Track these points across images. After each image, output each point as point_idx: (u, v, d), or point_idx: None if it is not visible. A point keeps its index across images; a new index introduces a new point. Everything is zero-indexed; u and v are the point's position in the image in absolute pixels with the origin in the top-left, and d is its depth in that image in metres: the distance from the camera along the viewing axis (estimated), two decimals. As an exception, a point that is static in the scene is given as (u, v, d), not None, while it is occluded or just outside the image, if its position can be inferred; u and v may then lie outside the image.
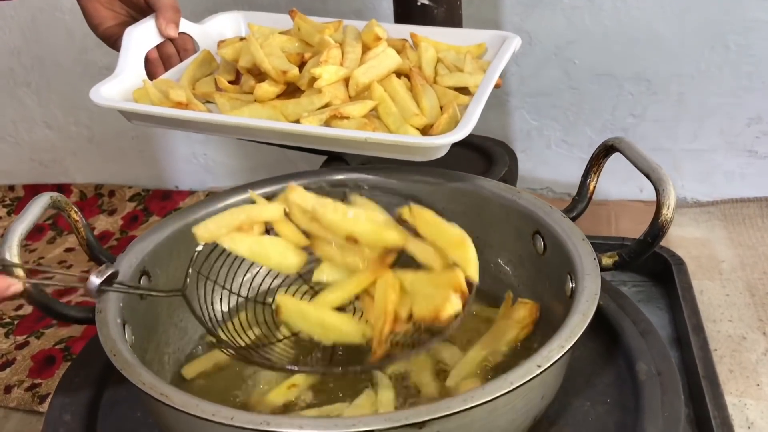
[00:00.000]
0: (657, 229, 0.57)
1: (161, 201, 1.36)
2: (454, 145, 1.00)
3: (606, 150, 0.65)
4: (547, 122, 1.19)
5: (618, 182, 1.19)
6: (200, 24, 0.83)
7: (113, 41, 0.79)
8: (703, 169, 1.16)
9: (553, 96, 1.16)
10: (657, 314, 0.89)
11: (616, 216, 1.17)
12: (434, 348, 0.67)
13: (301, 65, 0.73)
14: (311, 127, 0.64)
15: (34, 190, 1.41)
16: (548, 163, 1.21)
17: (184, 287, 0.61)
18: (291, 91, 0.71)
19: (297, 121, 0.67)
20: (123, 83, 0.74)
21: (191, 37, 0.81)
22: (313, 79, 0.68)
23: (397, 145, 0.63)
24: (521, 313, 0.66)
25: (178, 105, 0.69)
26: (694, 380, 0.76)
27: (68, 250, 1.29)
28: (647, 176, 0.58)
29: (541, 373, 0.50)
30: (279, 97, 0.70)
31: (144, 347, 0.64)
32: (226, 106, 0.70)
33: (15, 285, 0.55)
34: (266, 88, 0.68)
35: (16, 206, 1.41)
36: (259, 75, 0.73)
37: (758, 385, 0.84)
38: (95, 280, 0.57)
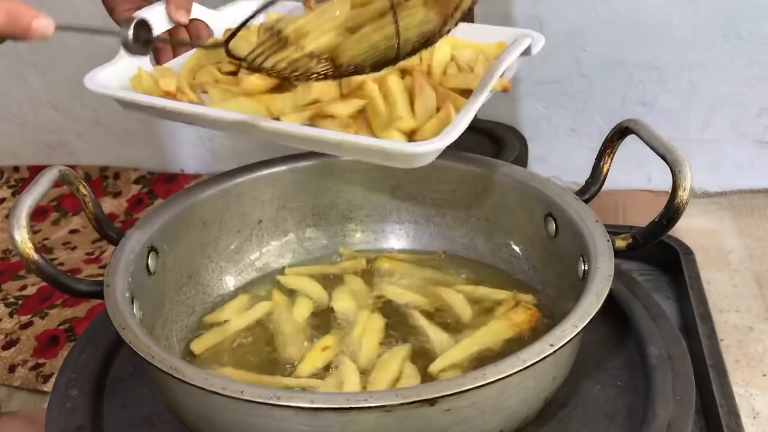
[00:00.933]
0: (672, 210, 0.56)
1: (166, 184, 1.35)
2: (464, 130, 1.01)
3: (621, 132, 0.65)
4: (556, 110, 1.18)
5: (626, 171, 1.18)
6: (218, 10, 0.80)
7: (110, 9, 0.77)
8: (712, 159, 1.16)
9: (563, 83, 1.15)
10: (665, 303, 0.89)
11: (624, 205, 1.16)
12: (425, 331, 0.67)
13: None
14: (284, 124, 0.60)
15: (38, 172, 1.39)
16: (556, 151, 1.20)
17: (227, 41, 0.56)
18: (286, 86, 0.66)
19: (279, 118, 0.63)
20: (123, 69, 0.70)
21: (206, 24, 0.78)
22: None
23: (374, 150, 0.57)
24: (521, 317, 0.65)
25: (167, 94, 0.65)
26: (701, 369, 0.75)
27: (73, 231, 1.29)
28: (663, 158, 0.58)
29: (554, 352, 0.49)
30: (272, 91, 0.66)
31: (152, 324, 0.64)
32: (217, 97, 0.66)
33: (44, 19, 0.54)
34: (254, 81, 0.64)
35: (20, 187, 1.40)
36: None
37: (764, 375, 0.84)
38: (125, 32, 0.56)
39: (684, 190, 0.56)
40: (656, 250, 0.94)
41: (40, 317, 1.05)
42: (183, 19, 0.75)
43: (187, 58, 0.74)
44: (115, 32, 0.59)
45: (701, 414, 0.73)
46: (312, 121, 0.61)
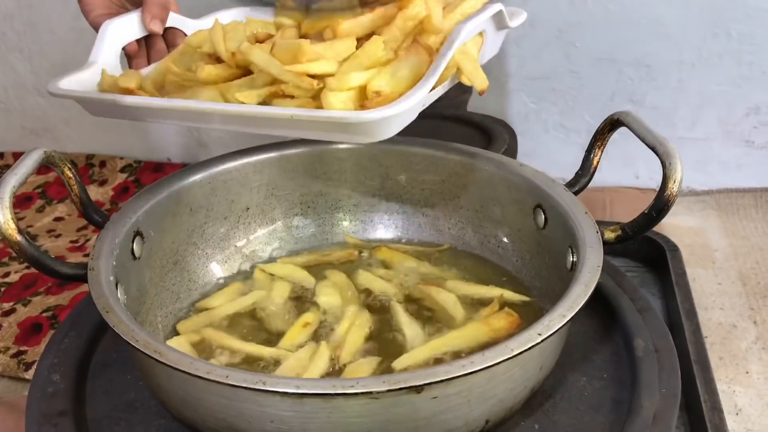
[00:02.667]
0: (662, 203, 0.56)
1: (153, 173, 1.34)
2: (453, 122, 1.01)
3: (612, 124, 0.65)
4: (545, 106, 1.18)
5: (614, 169, 1.18)
6: (198, 20, 0.79)
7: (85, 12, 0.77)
8: (699, 157, 1.16)
9: (553, 79, 1.15)
10: (650, 300, 0.89)
11: (611, 202, 1.16)
12: (401, 327, 0.66)
13: None
14: (235, 105, 0.58)
15: (23, 158, 1.39)
16: (545, 146, 1.20)
17: None
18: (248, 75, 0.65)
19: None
20: (90, 75, 0.70)
21: (183, 33, 0.77)
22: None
23: (328, 123, 0.55)
24: (501, 323, 0.63)
25: (126, 91, 0.64)
26: (685, 365, 0.76)
27: (57, 219, 1.27)
28: (653, 150, 0.58)
29: (541, 341, 0.49)
30: (229, 80, 0.64)
31: (136, 309, 0.63)
32: (173, 89, 0.65)
33: None
34: (209, 70, 0.62)
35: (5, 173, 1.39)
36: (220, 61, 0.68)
37: (747, 372, 0.85)
38: None
39: (674, 182, 0.56)
40: (642, 246, 0.94)
41: (23, 304, 1.03)
42: (157, 29, 0.74)
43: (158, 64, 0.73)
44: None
45: (685, 409, 0.74)
46: (268, 102, 0.58)
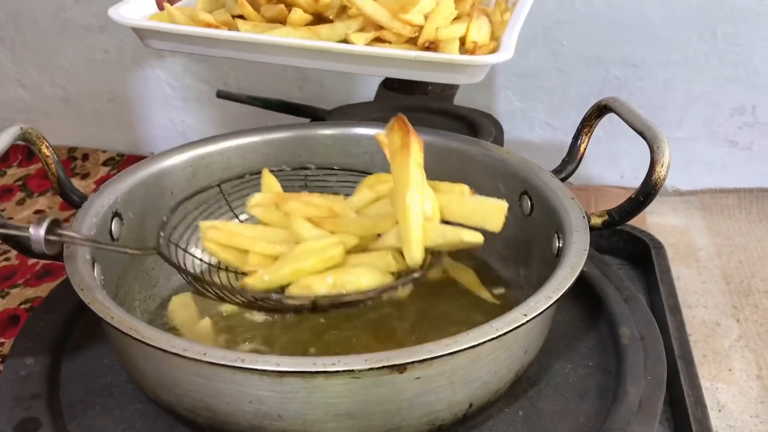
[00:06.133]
0: (650, 186, 0.56)
1: (135, 167, 1.33)
2: (440, 115, 1.00)
3: (599, 110, 0.64)
4: (532, 104, 1.18)
5: (599, 168, 1.18)
6: None
7: None
8: (684, 157, 1.16)
9: (540, 77, 1.15)
10: (635, 293, 0.89)
11: (596, 200, 1.16)
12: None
13: None
14: (360, 47, 0.64)
15: (3, 151, 1.37)
16: (531, 144, 1.20)
17: (157, 245, 0.58)
18: (318, 22, 0.70)
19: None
20: (137, 7, 0.70)
21: None
22: (344, 8, 0.68)
23: (445, 63, 0.63)
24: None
25: (209, 26, 0.67)
26: (669, 361, 0.75)
27: (38, 212, 1.25)
28: (641, 134, 0.57)
29: (526, 322, 0.49)
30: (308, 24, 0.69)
31: (114, 292, 0.62)
32: (251, 31, 0.68)
33: None
34: (301, 14, 0.67)
35: (-15, 166, 1.37)
36: (280, 4, 0.71)
37: (730, 370, 0.85)
38: (36, 230, 0.52)
39: (662, 166, 0.55)
40: (627, 243, 0.94)
41: (1, 296, 1.02)
42: None
43: (188, 4, 0.74)
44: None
45: (668, 404, 0.73)
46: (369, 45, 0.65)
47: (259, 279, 0.54)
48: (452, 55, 0.64)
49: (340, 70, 0.65)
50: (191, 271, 0.59)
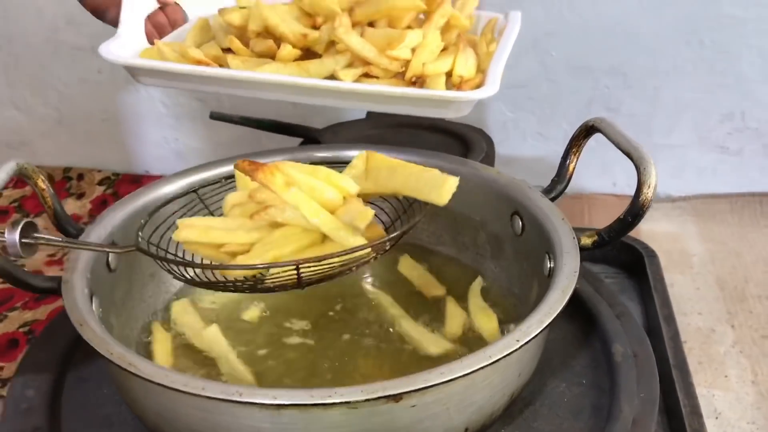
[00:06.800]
0: (637, 207, 0.57)
1: (131, 185, 1.33)
2: (431, 131, 1.01)
3: (587, 130, 0.65)
4: (523, 114, 1.19)
5: (592, 176, 1.19)
6: None
7: (101, 11, 0.78)
8: (676, 164, 1.17)
9: (530, 88, 1.16)
10: (629, 305, 0.89)
11: (589, 209, 1.17)
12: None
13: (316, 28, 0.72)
14: (344, 83, 0.65)
15: None
16: (523, 155, 1.21)
17: (136, 243, 0.58)
18: (307, 57, 0.71)
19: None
20: (128, 43, 0.72)
21: (182, 8, 0.80)
22: (332, 42, 0.69)
23: (431, 99, 0.64)
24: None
25: (199, 63, 0.68)
26: (664, 369, 0.76)
27: (33, 233, 1.26)
28: (628, 155, 0.58)
29: (519, 348, 0.49)
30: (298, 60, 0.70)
31: (111, 322, 0.62)
32: (240, 67, 0.69)
33: None
34: (290, 50, 0.68)
35: (-20, 188, 1.37)
36: (268, 39, 0.73)
37: (726, 376, 0.85)
38: (11, 234, 0.52)
39: (649, 187, 0.56)
40: (620, 252, 0.94)
41: (-1, 320, 1.02)
42: None
43: (177, 38, 0.75)
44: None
45: (664, 414, 0.73)
46: (357, 81, 0.66)
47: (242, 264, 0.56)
48: (438, 91, 0.65)
49: (330, 104, 0.66)
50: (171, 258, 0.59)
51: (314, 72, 0.66)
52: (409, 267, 0.74)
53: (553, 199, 0.66)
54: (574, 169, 0.67)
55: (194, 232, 0.59)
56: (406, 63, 0.68)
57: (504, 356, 0.49)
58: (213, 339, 0.64)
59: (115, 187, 1.34)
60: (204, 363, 0.64)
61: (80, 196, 1.33)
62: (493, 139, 1.13)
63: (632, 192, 0.57)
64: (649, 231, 1.11)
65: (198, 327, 0.67)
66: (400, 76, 0.68)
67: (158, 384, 0.48)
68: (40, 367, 0.64)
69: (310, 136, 0.97)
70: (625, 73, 1.12)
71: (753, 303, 0.96)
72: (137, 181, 1.34)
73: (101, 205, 1.31)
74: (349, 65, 0.67)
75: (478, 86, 0.66)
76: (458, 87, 0.67)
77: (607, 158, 1.17)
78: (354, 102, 0.66)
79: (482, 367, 0.48)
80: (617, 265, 0.96)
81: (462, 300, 0.69)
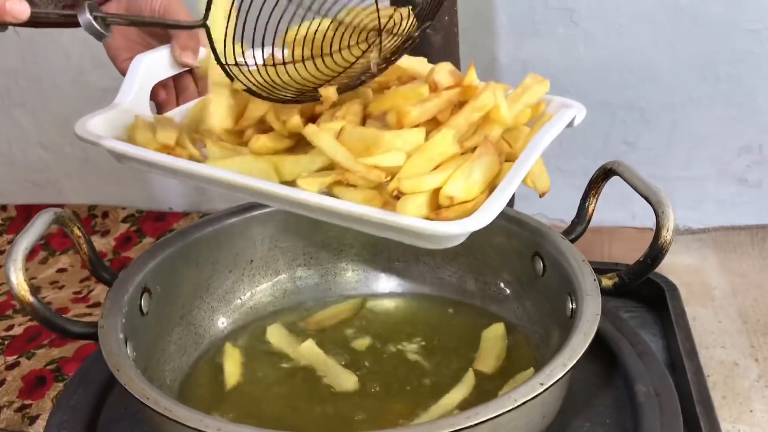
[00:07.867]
0: (657, 250, 0.58)
1: (155, 222, 1.36)
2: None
3: (605, 173, 0.67)
4: (541, 149, 1.20)
5: (611, 209, 1.20)
6: None
7: (115, 62, 0.75)
8: (695, 197, 1.18)
9: (548, 123, 1.17)
10: (651, 340, 0.89)
11: (609, 242, 1.18)
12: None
13: (313, 118, 0.61)
14: (299, 192, 0.52)
15: (26, 211, 1.40)
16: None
17: (205, 17, 0.52)
18: (301, 146, 0.60)
19: (292, 182, 0.54)
20: (120, 116, 0.65)
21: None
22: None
23: (397, 228, 0.50)
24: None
25: (164, 148, 0.59)
26: (688, 405, 0.76)
27: (60, 270, 1.28)
28: (646, 199, 0.59)
29: (543, 391, 0.50)
30: (281, 153, 0.59)
31: (144, 365, 0.64)
32: (216, 154, 0.58)
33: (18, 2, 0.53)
34: (264, 142, 0.57)
35: (8, 226, 1.40)
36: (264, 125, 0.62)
37: (751, 411, 0.85)
38: (83, 15, 0.55)
39: (667, 230, 0.57)
40: (642, 286, 0.94)
41: (27, 357, 1.04)
42: (191, 60, 0.69)
43: (191, 106, 0.69)
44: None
45: (690, 451, 0.74)
46: (330, 189, 0.53)
47: None
48: (393, 216, 0.50)
49: (293, 211, 0.55)
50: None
51: (288, 171, 0.55)
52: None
53: (573, 240, 0.67)
54: (593, 211, 0.68)
55: None
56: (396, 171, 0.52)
57: (528, 400, 0.49)
58: (309, 351, 0.71)
59: (139, 224, 1.36)
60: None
61: (105, 233, 1.36)
62: (511, 174, 1.15)
63: (651, 224, 0.58)
64: (669, 264, 1.11)
65: (296, 343, 0.73)
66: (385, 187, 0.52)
67: (192, 428, 0.49)
68: (74, 409, 0.66)
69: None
70: (641, 108, 1.13)
71: (776, 336, 0.96)
72: (161, 218, 1.36)
73: (125, 241, 1.33)
74: (329, 167, 0.55)
75: (471, 212, 0.50)
76: (438, 213, 0.51)
77: (626, 192, 1.17)
78: (318, 215, 0.54)
79: (507, 411, 0.49)
80: (638, 299, 0.96)
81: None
